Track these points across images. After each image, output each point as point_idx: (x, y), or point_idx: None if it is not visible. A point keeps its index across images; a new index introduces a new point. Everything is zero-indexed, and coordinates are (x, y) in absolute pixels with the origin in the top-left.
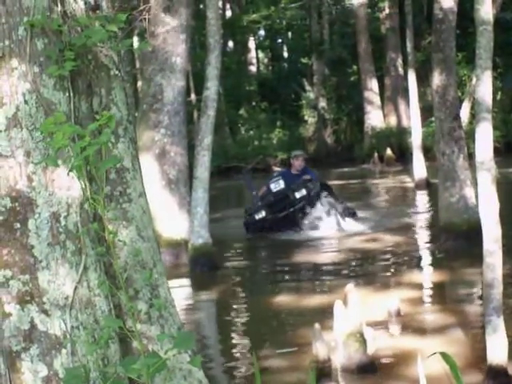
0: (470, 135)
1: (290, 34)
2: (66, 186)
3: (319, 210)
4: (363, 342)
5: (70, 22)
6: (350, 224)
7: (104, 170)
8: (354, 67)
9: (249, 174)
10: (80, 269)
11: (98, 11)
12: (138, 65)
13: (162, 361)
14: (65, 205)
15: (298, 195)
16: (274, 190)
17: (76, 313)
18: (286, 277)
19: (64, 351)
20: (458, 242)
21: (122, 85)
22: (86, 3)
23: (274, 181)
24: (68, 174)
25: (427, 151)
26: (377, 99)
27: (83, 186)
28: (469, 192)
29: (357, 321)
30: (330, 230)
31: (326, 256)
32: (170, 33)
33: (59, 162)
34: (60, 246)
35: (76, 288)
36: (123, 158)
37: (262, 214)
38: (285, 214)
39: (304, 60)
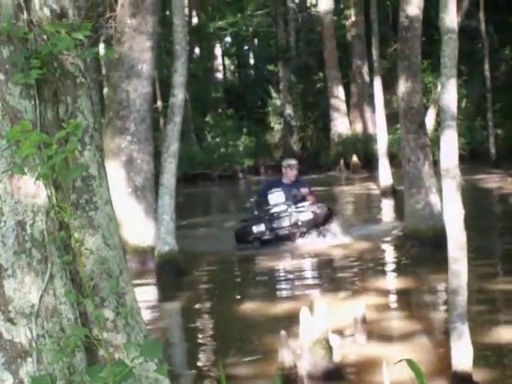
0: (436, 142)
1: (256, 41)
2: (32, 194)
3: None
4: (329, 349)
5: (36, 30)
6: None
7: (71, 178)
8: (320, 74)
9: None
10: (46, 277)
11: (64, 19)
12: (104, 71)
13: (128, 369)
14: (31, 213)
15: (302, 217)
16: (272, 203)
17: (42, 321)
18: (253, 284)
19: (30, 360)
20: (424, 248)
21: (88, 92)
22: (52, 11)
23: (273, 192)
24: (35, 183)
25: (393, 158)
26: (343, 106)
27: (49, 194)
28: (434, 199)
29: (323, 328)
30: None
31: (292, 263)
32: (136, 40)
33: (25, 170)
34: (26, 255)
35: (42, 296)
36: (89, 165)
37: (261, 228)
38: (284, 235)
39: (270, 67)
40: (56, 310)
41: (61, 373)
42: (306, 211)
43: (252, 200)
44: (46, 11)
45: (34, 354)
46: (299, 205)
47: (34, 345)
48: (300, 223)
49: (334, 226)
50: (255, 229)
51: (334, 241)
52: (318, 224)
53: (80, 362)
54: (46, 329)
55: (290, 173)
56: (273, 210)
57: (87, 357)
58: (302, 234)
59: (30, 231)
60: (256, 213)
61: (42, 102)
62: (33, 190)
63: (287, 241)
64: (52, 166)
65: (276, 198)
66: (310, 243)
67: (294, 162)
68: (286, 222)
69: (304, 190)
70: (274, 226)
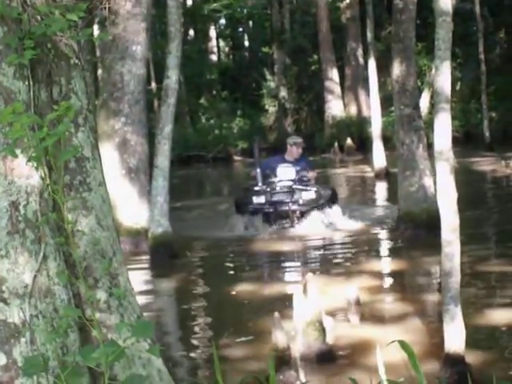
0: (429, 125)
1: (251, 23)
2: (25, 174)
3: (318, 217)
4: (322, 330)
5: (29, 11)
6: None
7: (63, 160)
8: (315, 56)
9: (259, 145)
10: (39, 258)
11: (58, 0)
12: (98, 53)
13: (120, 349)
14: (24, 194)
15: (305, 196)
16: (279, 177)
17: (35, 301)
18: (247, 266)
19: (23, 340)
20: (417, 231)
21: (82, 74)
22: None
23: (283, 167)
24: (26, 164)
25: (387, 141)
26: (337, 89)
27: (43, 175)
28: (428, 181)
29: (316, 310)
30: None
31: (286, 245)
32: (130, 21)
33: (18, 151)
34: (19, 235)
35: (35, 277)
36: (83, 147)
37: (261, 200)
38: (284, 210)
39: (265, 49)
40: (49, 290)
41: (54, 353)
42: (310, 190)
43: (258, 170)
44: None
45: (28, 335)
46: (304, 183)
47: (27, 325)
48: (301, 201)
49: (336, 209)
50: (255, 199)
51: (334, 225)
52: (320, 205)
53: (73, 342)
54: (40, 309)
55: (295, 150)
56: (277, 184)
57: (80, 337)
58: (302, 214)
59: (23, 212)
60: (260, 184)
61: (35, 83)
62: (26, 170)
63: (286, 218)
64: (44, 148)
65: (285, 172)
66: (308, 226)
67: (300, 139)
68: (287, 198)
69: (309, 174)
70: (275, 199)
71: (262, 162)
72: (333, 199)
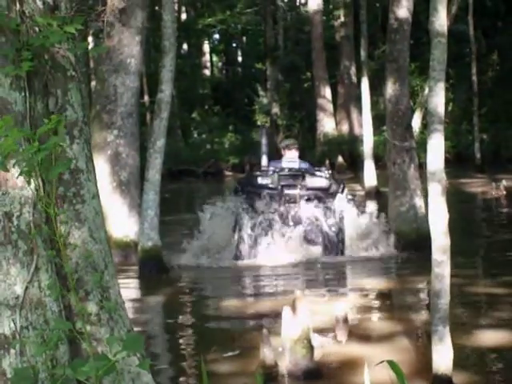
0: (421, 145)
1: (244, 38)
2: (19, 185)
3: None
4: (310, 348)
5: (28, 22)
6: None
7: (54, 175)
8: (308, 74)
9: (267, 132)
10: (31, 269)
11: (56, 11)
12: (92, 65)
13: (110, 363)
14: (18, 205)
15: (315, 183)
16: (286, 166)
17: (26, 313)
18: (236, 281)
19: (13, 351)
20: (407, 250)
21: (78, 86)
22: (44, 3)
23: (288, 160)
24: (18, 177)
25: (378, 160)
26: (329, 106)
27: (37, 187)
28: (419, 202)
29: (304, 327)
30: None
31: (276, 261)
32: (125, 34)
33: (13, 162)
34: (12, 246)
35: (27, 288)
36: (78, 159)
37: (268, 180)
38: (291, 194)
39: (258, 65)
40: (40, 302)
41: (43, 365)
42: (321, 177)
43: (264, 156)
44: (39, 3)
45: (18, 346)
46: (316, 168)
47: (17, 336)
48: (311, 186)
49: (343, 197)
50: (260, 180)
51: (341, 215)
52: (329, 194)
53: (63, 354)
54: (30, 320)
55: (288, 153)
56: (286, 167)
57: (70, 350)
58: (309, 199)
59: (16, 223)
60: (265, 166)
61: (32, 94)
62: (20, 181)
63: (292, 203)
64: (35, 162)
65: (290, 164)
66: (311, 214)
67: (291, 141)
68: (296, 182)
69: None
70: (283, 182)
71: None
72: (342, 192)
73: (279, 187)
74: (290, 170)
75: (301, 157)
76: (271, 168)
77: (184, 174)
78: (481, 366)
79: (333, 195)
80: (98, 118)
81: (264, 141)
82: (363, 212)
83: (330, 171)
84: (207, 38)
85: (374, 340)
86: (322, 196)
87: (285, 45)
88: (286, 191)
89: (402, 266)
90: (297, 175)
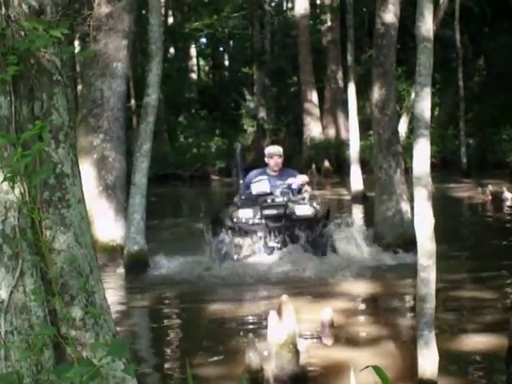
0: (408, 150)
1: (231, 42)
2: (4, 190)
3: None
4: (296, 352)
5: (13, 26)
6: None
7: (38, 180)
8: (295, 78)
9: (242, 153)
10: (16, 273)
11: (42, 16)
12: (78, 69)
13: (95, 368)
14: (3, 209)
15: (299, 212)
16: (256, 192)
17: (11, 317)
18: (222, 285)
19: None
20: (392, 255)
21: (63, 90)
22: (30, 7)
23: (257, 181)
24: (2, 183)
25: (365, 164)
26: (316, 111)
27: (22, 192)
28: (405, 206)
29: (290, 331)
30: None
31: (262, 266)
32: (111, 38)
33: None
34: None
35: (12, 293)
36: (63, 163)
37: (249, 213)
38: (275, 226)
39: (245, 69)
40: (25, 306)
41: (28, 370)
42: (306, 204)
43: (241, 181)
44: (25, 7)
45: (2, 351)
46: (299, 196)
47: (1, 341)
48: (295, 217)
49: (330, 228)
50: (241, 213)
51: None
52: (315, 223)
53: (48, 359)
54: (15, 325)
55: (271, 162)
56: (267, 197)
57: (55, 354)
58: (293, 232)
59: (1, 227)
60: (243, 197)
61: (17, 98)
62: (5, 186)
63: (276, 235)
64: (18, 168)
65: (260, 186)
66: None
67: (274, 149)
68: (280, 212)
69: (292, 180)
70: (266, 213)
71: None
72: (327, 215)
73: (262, 221)
74: (273, 200)
75: (285, 163)
76: (248, 192)
77: (170, 178)
78: (466, 370)
79: (319, 222)
80: (85, 122)
81: (239, 161)
82: (351, 223)
83: (311, 190)
84: (194, 41)
85: (360, 344)
86: (309, 225)
87: (272, 49)
88: (271, 224)
89: (388, 271)
90: (280, 205)
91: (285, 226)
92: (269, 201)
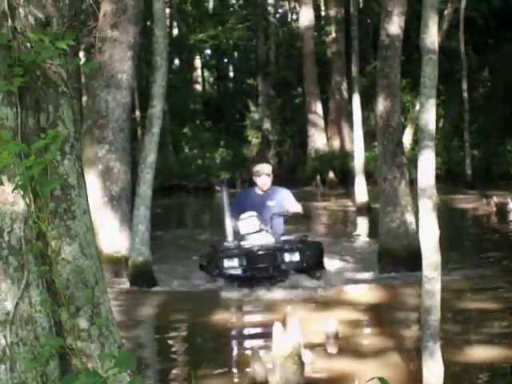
0: (412, 161)
1: (236, 54)
2: (10, 201)
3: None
4: (301, 364)
5: (19, 38)
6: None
7: (49, 189)
8: (299, 89)
9: (226, 187)
10: (22, 285)
11: (48, 27)
12: (83, 80)
13: (101, 380)
14: (9, 220)
15: (287, 258)
16: (244, 233)
17: (16, 329)
18: (226, 296)
19: (3, 367)
20: (397, 266)
21: (69, 102)
22: (36, 19)
23: (244, 219)
24: (13, 192)
25: (369, 175)
26: (321, 122)
27: (28, 203)
28: (409, 218)
29: (295, 343)
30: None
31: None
32: (116, 49)
33: (4, 177)
34: (2, 262)
35: (17, 304)
36: (69, 174)
37: (235, 263)
38: (263, 276)
39: (250, 80)
40: (31, 317)
41: (34, 381)
42: (295, 252)
43: (228, 220)
44: (31, 19)
45: (8, 362)
46: (284, 238)
47: (7, 352)
48: (284, 266)
49: (324, 273)
50: (226, 263)
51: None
52: (304, 268)
53: (53, 370)
54: (21, 336)
55: (259, 182)
56: (251, 244)
57: (61, 365)
58: (285, 278)
59: (7, 238)
60: (231, 239)
61: (23, 110)
62: (11, 197)
63: (264, 284)
64: (30, 176)
65: (248, 225)
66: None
67: (262, 167)
68: (267, 262)
69: (273, 203)
70: (252, 263)
71: (234, 200)
72: (319, 259)
73: (248, 272)
74: (260, 248)
75: (276, 181)
76: (236, 245)
77: (175, 189)
78: (471, 382)
79: (308, 266)
80: (90, 133)
81: (225, 197)
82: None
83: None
84: (199, 53)
85: (365, 356)
86: (297, 271)
87: (276, 60)
88: (258, 275)
89: (393, 282)
90: (267, 254)
91: (272, 275)
92: (255, 249)
